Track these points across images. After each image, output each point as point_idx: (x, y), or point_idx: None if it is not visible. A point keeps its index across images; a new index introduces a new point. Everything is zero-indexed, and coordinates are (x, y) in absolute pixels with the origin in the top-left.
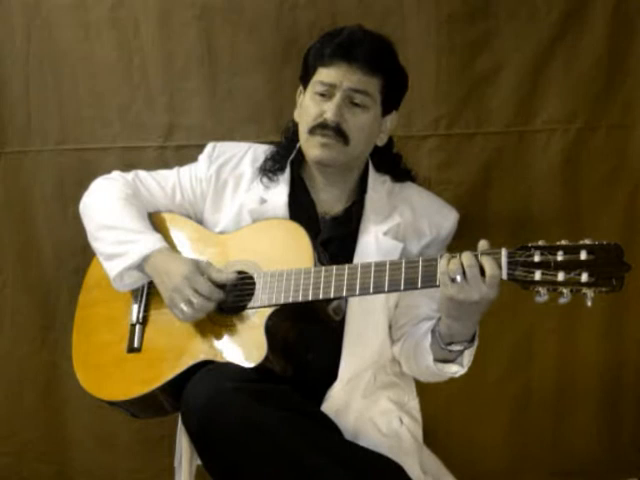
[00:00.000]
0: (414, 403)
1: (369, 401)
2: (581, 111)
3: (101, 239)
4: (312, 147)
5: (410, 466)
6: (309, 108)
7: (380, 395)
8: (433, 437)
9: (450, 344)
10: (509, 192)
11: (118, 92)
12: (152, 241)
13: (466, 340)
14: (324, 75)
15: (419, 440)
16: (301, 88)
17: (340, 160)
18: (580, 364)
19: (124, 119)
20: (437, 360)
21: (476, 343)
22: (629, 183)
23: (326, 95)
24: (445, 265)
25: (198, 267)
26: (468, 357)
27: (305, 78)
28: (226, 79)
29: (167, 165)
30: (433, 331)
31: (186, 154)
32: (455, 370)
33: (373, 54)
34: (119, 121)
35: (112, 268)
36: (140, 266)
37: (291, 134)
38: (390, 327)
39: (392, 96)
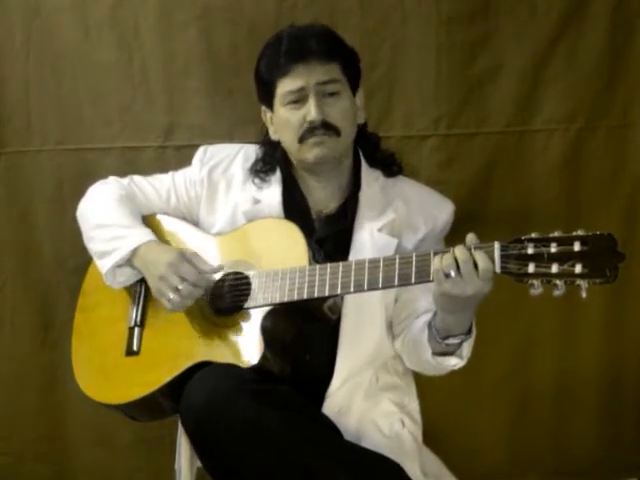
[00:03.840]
0: (415, 405)
1: (371, 402)
2: (581, 111)
3: (94, 239)
4: (307, 151)
5: (411, 468)
6: (289, 120)
7: (382, 397)
8: (433, 438)
9: (447, 338)
10: (509, 192)
11: (118, 92)
12: (140, 235)
13: (463, 333)
14: (288, 84)
15: (419, 442)
16: (264, 108)
17: (337, 152)
18: (580, 365)
19: (124, 119)
20: (436, 354)
21: (474, 334)
22: (629, 183)
23: (299, 101)
24: (438, 262)
25: (183, 255)
26: (467, 349)
27: (267, 97)
28: (226, 79)
29: (167, 165)
30: (429, 326)
31: (186, 154)
32: (454, 363)
33: (323, 43)
34: (119, 121)
35: (104, 265)
36: (130, 261)
37: (268, 139)
38: (391, 323)
39: (353, 73)
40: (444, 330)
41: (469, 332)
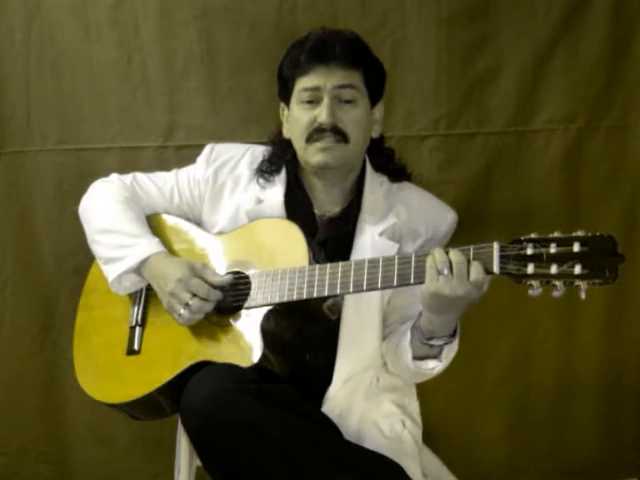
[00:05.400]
0: (415, 406)
1: (372, 403)
2: (581, 111)
3: (99, 242)
4: (312, 154)
5: (411, 468)
6: (299, 118)
7: (383, 398)
8: (433, 438)
9: (431, 339)
10: (509, 192)
11: (118, 92)
12: (150, 245)
13: (447, 335)
14: (306, 82)
15: (419, 443)
16: (283, 105)
17: (343, 160)
18: (580, 364)
19: (124, 119)
20: (416, 358)
21: (457, 338)
22: (629, 183)
23: (313, 101)
24: (432, 260)
25: (193, 269)
26: (447, 352)
27: (285, 93)
28: (226, 79)
29: (167, 165)
30: (413, 327)
31: (186, 154)
32: (433, 366)
33: (347, 49)
34: (119, 121)
35: (110, 272)
36: (138, 270)
37: (278, 138)
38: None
39: (376, 86)
40: (428, 331)
41: (453, 335)
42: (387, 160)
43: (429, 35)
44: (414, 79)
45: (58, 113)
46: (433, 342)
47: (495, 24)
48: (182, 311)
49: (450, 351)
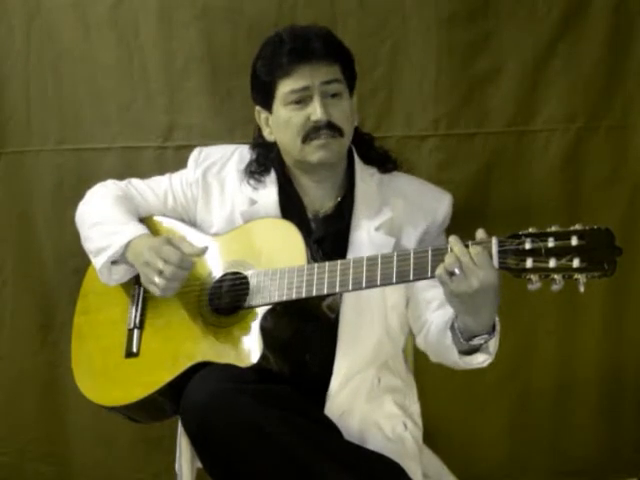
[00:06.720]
0: (416, 407)
1: (374, 404)
2: (581, 111)
3: (89, 237)
4: (311, 153)
5: (412, 470)
6: (290, 120)
7: (384, 399)
8: (433, 438)
9: (472, 338)
10: (509, 192)
11: (118, 92)
12: (133, 230)
13: (487, 332)
14: (292, 84)
15: (420, 444)
16: (258, 109)
17: (341, 154)
18: (580, 364)
19: (124, 119)
20: (462, 352)
21: (497, 332)
22: (629, 183)
23: (302, 101)
24: (442, 267)
25: (166, 238)
26: (494, 345)
27: (265, 98)
28: (226, 79)
29: (167, 165)
30: (452, 328)
31: (186, 154)
32: (482, 359)
33: (326, 44)
34: (119, 121)
35: (98, 261)
36: (124, 256)
37: (261, 141)
38: (401, 323)
39: (351, 75)
40: (467, 332)
41: (493, 330)
42: (368, 145)
43: (429, 35)
44: (414, 79)
45: (58, 113)
46: (475, 341)
47: (495, 24)
48: (156, 279)
49: (495, 344)
